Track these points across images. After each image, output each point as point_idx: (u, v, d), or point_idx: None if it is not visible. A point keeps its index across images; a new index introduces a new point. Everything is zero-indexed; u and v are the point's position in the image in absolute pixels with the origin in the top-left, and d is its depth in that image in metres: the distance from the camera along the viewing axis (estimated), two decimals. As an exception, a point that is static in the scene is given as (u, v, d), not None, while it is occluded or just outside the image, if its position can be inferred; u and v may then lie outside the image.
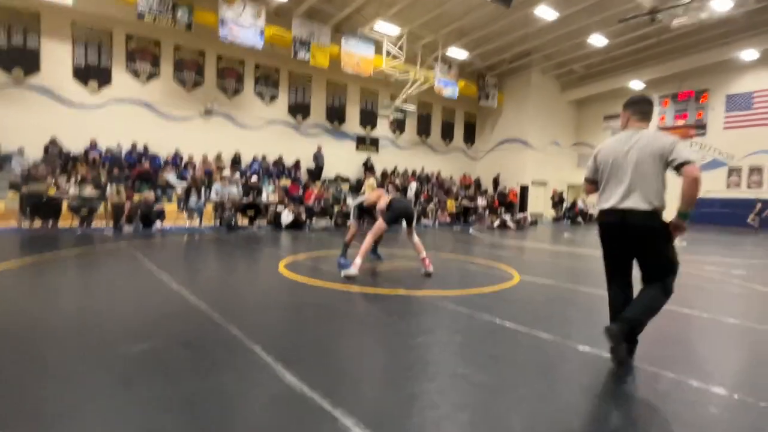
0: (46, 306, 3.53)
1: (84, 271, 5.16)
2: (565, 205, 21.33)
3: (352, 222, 6.16)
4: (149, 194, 10.39)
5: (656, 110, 19.84)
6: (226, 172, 13.29)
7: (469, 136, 23.91)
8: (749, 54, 16.73)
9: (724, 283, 5.51)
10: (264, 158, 16.06)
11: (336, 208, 13.40)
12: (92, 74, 13.36)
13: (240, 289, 4.61)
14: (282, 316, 3.58)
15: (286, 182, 15.35)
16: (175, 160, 14.36)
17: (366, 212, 5.97)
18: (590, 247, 9.84)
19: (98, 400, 1.93)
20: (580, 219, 19.76)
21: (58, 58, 12.82)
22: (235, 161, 15.44)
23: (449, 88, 19.09)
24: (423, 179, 19.80)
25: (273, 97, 16.88)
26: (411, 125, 20.93)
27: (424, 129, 21.76)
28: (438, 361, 2.59)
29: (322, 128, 18.26)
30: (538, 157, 22.13)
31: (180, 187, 12.69)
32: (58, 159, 11.96)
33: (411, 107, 18.27)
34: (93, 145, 12.99)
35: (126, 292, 4.12)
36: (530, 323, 3.36)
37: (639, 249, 2.55)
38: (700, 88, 19.40)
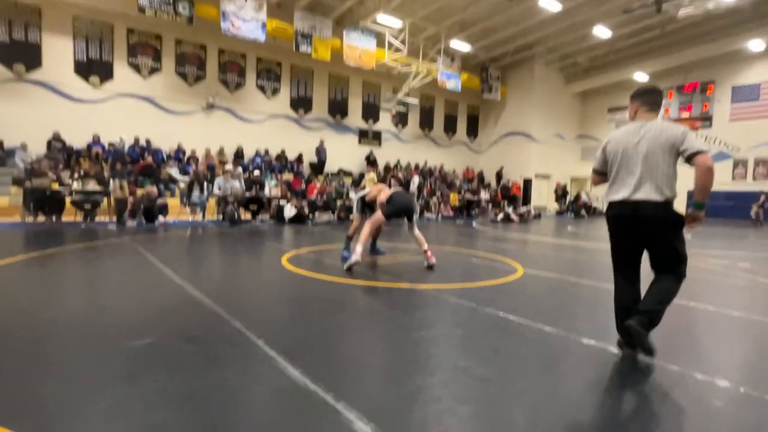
0: (50, 301, 3.55)
1: (87, 265, 5.18)
2: (568, 198, 21.24)
3: (355, 215, 6.17)
4: (152, 189, 10.41)
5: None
6: (229, 166, 13.27)
7: (472, 129, 23.79)
8: (756, 44, 16.53)
9: (729, 276, 5.48)
10: (266, 152, 16.04)
11: (339, 202, 13.39)
12: (94, 69, 13.35)
13: (243, 283, 4.61)
14: (285, 310, 3.58)
15: (288, 176, 15.34)
16: (178, 155, 14.36)
17: (369, 206, 5.95)
18: (594, 240, 9.81)
19: (102, 394, 1.94)
20: (583, 212, 19.67)
21: (59, 52, 12.81)
22: (238, 155, 15.43)
23: (452, 80, 18.97)
24: (426, 173, 19.74)
25: (275, 91, 16.83)
26: (413, 118, 20.85)
27: (426, 122, 21.67)
28: (440, 354, 2.58)
29: (325, 122, 18.21)
30: (542, 150, 22.02)
31: (182, 181, 12.71)
32: (61, 154, 11.99)
33: (413, 100, 18.18)
34: (96, 140, 13.01)
35: (129, 286, 4.13)
36: (533, 316, 3.35)
37: (651, 240, 2.53)
38: (706, 80, 19.21)
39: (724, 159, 18.60)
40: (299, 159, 16.96)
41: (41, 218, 9.37)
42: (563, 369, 2.43)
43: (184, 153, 14.54)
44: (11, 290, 3.84)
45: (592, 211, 20.43)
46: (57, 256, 5.47)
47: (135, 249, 6.24)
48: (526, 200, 20.93)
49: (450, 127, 22.71)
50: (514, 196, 19.88)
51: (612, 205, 2.63)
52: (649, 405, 2.04)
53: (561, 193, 21.07)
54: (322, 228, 10.62)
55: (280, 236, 8.69)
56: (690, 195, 14.14)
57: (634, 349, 2.60)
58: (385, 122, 19.70)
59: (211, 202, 11.63)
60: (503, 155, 22.66)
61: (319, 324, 3.09)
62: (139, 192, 10.57)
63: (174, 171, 13.33)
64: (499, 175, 22.12)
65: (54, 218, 9.33)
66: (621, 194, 2.55)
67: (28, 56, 12.37)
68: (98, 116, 13.34)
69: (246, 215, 11.75)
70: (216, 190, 11.21)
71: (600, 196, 21.72)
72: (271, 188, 12.85)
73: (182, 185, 12.64)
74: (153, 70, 14.36)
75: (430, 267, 5.27)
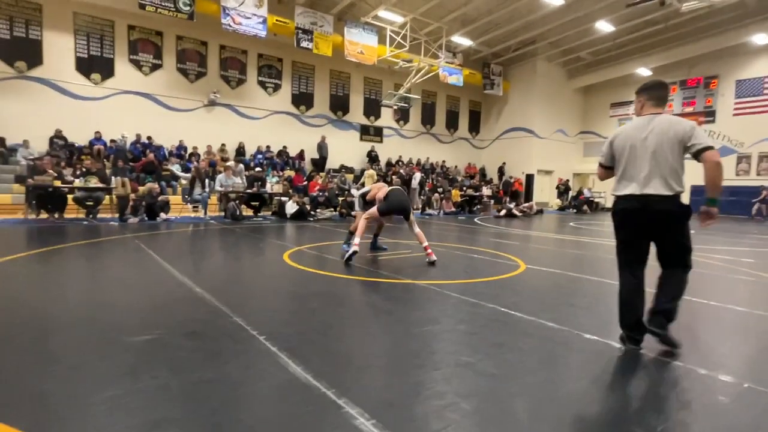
0: (52, 297, 3.55)
1: (90, 262, 5.18)
2: (570, 193, 21.18)
3: (357, 212, 6.17)
4: (154, 186, 10.41)
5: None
6: (230, 163, 13.27)
7: (474, 125, 23.72)
8: (761, 38, 16.40)
9: (733, 272, 5.45)
10: (268, 149, 16.03)
11: (340, 199, 13.39)
12: (95, 66, 13.35)
13: (245, 279, 4.62)
14: (287, 305, 3.58)
15: (290, 173, 15.33)
16: (180, 152, 14.37)
17: (370, 204, 5.97)
18: (596, 236, 9.78)
19: (103, 389, 1.93)
20: (586, 208, 19.61)
21: (60, 50, 12.81)
22: (239, 152, 15.42)
23: (454, 75, 18.90)
24: (428, 169, 19.71)
25: (276, 87, 16.81)
26: (415, 115, 20.80)
27: (428, 118, 21.61)
28: (443, 349, 2.58)
29: (326, 118, 18.18)
30: (544, 145, 21.95)
31: (184, 178, 12.72)
32: (63, 151, 12.01)
33: (415, 96, 18.12)
34: (97, 137, 13.02)
35: (131, 283, 4.14)
36: (536, 312, 3.34)
37: (660, 233, 2.55)
38: (710, 74, 19.08)
39: (728, 154, 18.50)
40: (301, 155, 16.96)
41: (44, 215, 9.40)
42: (566, 364, 2.42)
43: (185, 150, 14.55)
44: (14, 286, 3.85)
45: (594, 206, 20.37)
46: (59, 253, 5.49)
47: (137, 245, 6.25)
48: (529, 196, 20.88)
49: (452, 123, 22.65)
50: (515, 192, 19.84)
51: (620, 200, 2.63)
52: (653, 400, 2.03)
53: (563, 189, 21.01)
54: (324, 224, 10.62)
55: (281, 233, 8.69)
56: (694, 190, 14.14)
57: (637, 345, 2.60)
58: (386, 118, 19.66)
59: (213, 199, 11.64)
60: (505, 151, 22.60)
61: (321, 319, 3.09)
62: (141, 189, 10.57)
63: (176, 168, 13.35)
64: (501, 171, 22.07)
65: (56, 215, 9.36)
66: (630, 189, 2.56)
67: (29, 53, 12.37)
68: (100, 113, 13.35)
69: (248, 212, 11.75)
70: (218, 187, 11.22)
71: (603, 192, 21.68)
72: (273, 185, 12.86)
73: (184, 182, 12.66)
74: (154, 67, 14.35)
75: (432, 263, 5.27)
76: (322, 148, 17.16)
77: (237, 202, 11.06)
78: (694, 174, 3.70)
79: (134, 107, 13.98)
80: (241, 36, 14.41)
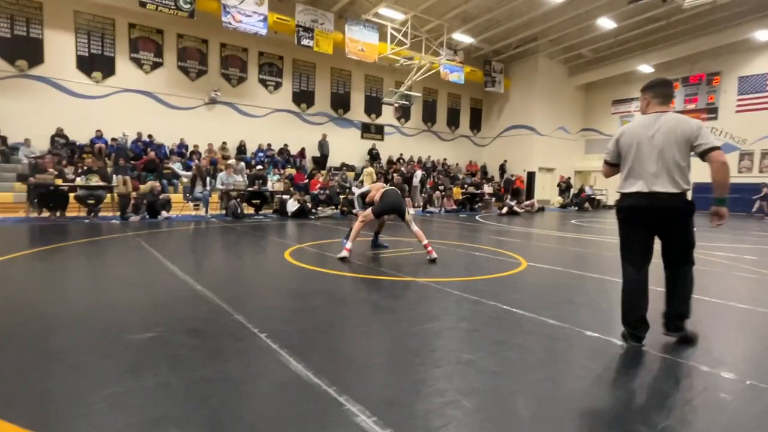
0: (54, 295, 3.56)
1: (91, 260, 5.19)
2: (572, 191, 21.15)
3: (358, 211, 6.18)
4: (155, 184, 10.42)
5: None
6: (231, 161, 13.28)
7: (476, 123, 23.68)
8: (763, 35, 16.33)
9: (735, 269, 5.44)
10: (269, 147, 16.02)
11: (341, 197, 13.38)
12: (96, 64, 13.35)
13: (246, 277, 4.62)
14: (288, 303, 3.58)
15: (291, 171, 15.33)
16: (181, 150, 14.37)
17: (370, 203, 5.98)
18: (598, 233, 9.77)
19: (104, 387, 1.94)
20: (587, 205, 19.58)
21: (61, 48, 12.80)
22: (240, 150, 15.42)
23: (455, 73, 18.86)
24: (429, 167, 19.69)
25: (277, 85, 16.79)
26: (416, 112, 20.77)
27: (429, 116, 21.58)
28: (444, 347, 2.57)
29: (327, 116, 18.16)
30: (545, 143, 21.91)
31: (185, 176, 12.73)
32: (64, 150, 12.02)
33: (416, 94, 18.09)
34: (98, 136, 13.03)
35: (132, 280, 4.14)
36: (537, 309, 3.33)
37: (667, 229, 2.60)
38: (712, 71, 19.00)
39: (730, 151, 18.44)
40: (302, 153, 16.95)
41: (45, 214, 9.41)
42: (567, 361, 2.41)
43: (186, 148, 14.55)
44: (16, 285, 3.85)
45: (596, 204, 20.33)
46: (61, 251, 5.49)
47: (138, 244, 6.25)
48: (530, 194, 20.85)
49: (453, 120, 22.61)
50: (517, 190, 19.82)
51: (627, 197, 2.65)
52: (655, 397, 2.02)
53: (565, 187, 20.97)
54: (325, 222, 10.62)
55: (282, 231, 8.69)
56: (696, 187, 14.17)
57: (639, 342, 2.59)
58: (387, 116, 19.63)
59: (214, 197, 11.64)
60: (506, 148, 22.56)
61: (322, 317, 3.08)
62: (142, 187, 10.58)
63: (177, 166, 13.35)
64: (502, 169, 22.03)
65: (58, 213, 9.37)
66: (637, 186, 2.57)
67: (30, 52, 12.37)
68: (101, 112, 13.35)
69: (249, 210, 11.76)
70: (219, 185, 11.22)
71: (604, 189, 21.65)
72: (274, 183, 12.85)
73: (185, 180, 12.67)
74: (155, 65, 14.34)
75: (433, 261, 5.26)
76: (323, 146, 17.15)
77: (238, 200, 11.06)
78: (696, 171, 3.69)
79: (135, 105, 13.98)
80: (241, 34, 14.39)
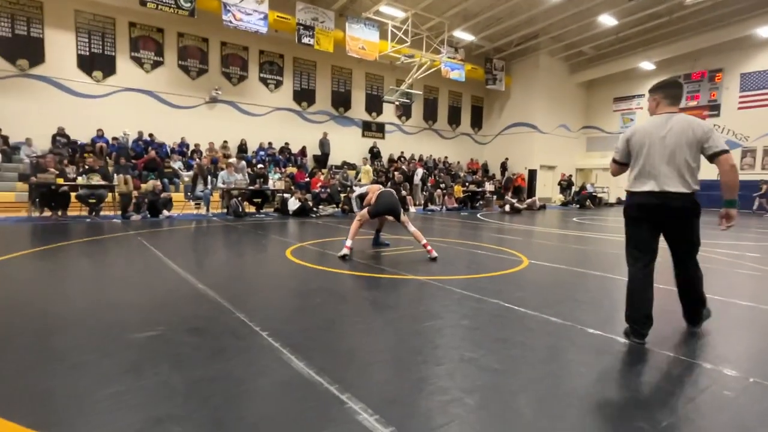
0: (55, 294, 3.56)
1: (93, 259, 5.20)
2: (573, 189, 21.10)
3: (357, 212, 6.20)
4: (156, 183, 10.43)
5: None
6: (233, 159, 13.28)
7: (477, 121, 23.64)
8: (766, 31, 16.25)
9: (737, 266, 5.42)
10: (270, 145, 16.02)
11: (342, 195, 13.38)
12: (96, 63, 13.34)
13: (247, 275, 4.62)
14: (289, 301, 3.58)
15: (292, 169, 15.32)
16: (182, 149, 14.38)
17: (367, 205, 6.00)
18: (599, 231, 9.75)
19: (106, 386, 1.94)
20: (589, 203, 19.54)
21: (62, 47, 12.80)
22: (241, 149, 15.41)
23: (456, 71, 18.82)
24: (430, 165, 19.67)
25: (278, 84, 16.77)
26: (417, 110, 20.73)
27: (430, 114, 21.55)
28: (446, 345, 2.57)
29: (328, 114, 18.15)
30: (547, 140, 21.87)
31: (186, 175, 12.73)
32: (65, 149, 12.03)
33: (417, 92, 18.06)
34: (99, 135, 13.04)
35: (134, 279, 4.14)
36: (539, 307, 3.33)
37: (675, 229, 2.66)
38: (714, 68, 18.92)
39: (733, 148, 18.36)
40: (303, 152, 16.94)
41: (47, 213, 9.43)
42: (569, 359, 2.41)
43: (187, 147, 14.55)
44: (17, 284, 3.86)
45: (597, 202, 20.28)
46: (62, 251, 5.50)
47: (139, 243, 6.26)
48: (531, 192, 20.82)
49: (454, 118, 22.57)
50: (518, 188, 19.79)
51: (637, 195, 2.68)
52: (658, 394, 2.02)
53: (566, 185, 20.93)
54: (326, 221, 10.62)
55: (283, 229, 8.69)
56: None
57: (642, 339, 2.60)
58: (388, 114, 19.60)
59: (215, 196, 11.65)
60: (508, 146, 22.52)
61: (323, 315, 3.08)
62: (144, 186, 10.59)
63: (178, 165, 13.35)
64: (504, 167, 22.00)
65: (60, 213, 9.38)
66: (648, 186, 2.62)
67: (31, 51, 12.37)
68: (102, 111, 13.36)
69: (250, 208, 11.76)
70: (220, 184, 11.22)
71: (606, 187, 21.61)
72: (275, 181, 12.85)
73: (186, 179, 12.67)
74: (156, 64, 14.33)
75: (433, 259, 5.26)
76: (324, 144, 17.13)
77: (239, 198, 11.06)
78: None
79: (136, 105, 13.98)
80: (242, 32, 14.38)
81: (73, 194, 9.53)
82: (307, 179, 14.21)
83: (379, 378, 2.13)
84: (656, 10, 16.03)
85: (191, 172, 12.30)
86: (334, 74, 18.11)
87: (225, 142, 15.30)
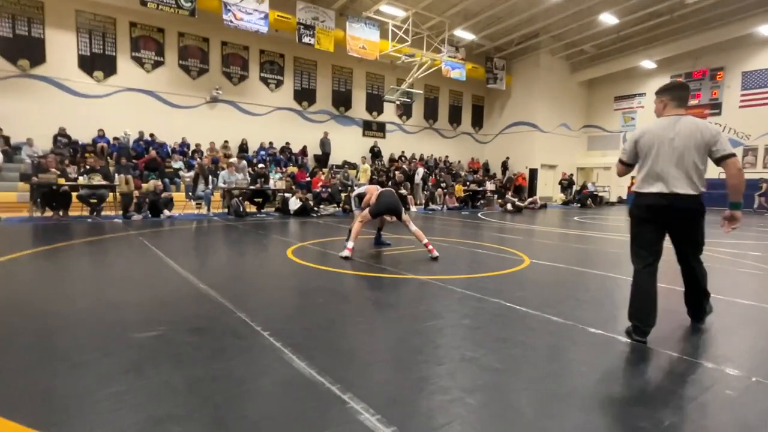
0: (57, 294, 3.57)
1: (94, 259, 5.20)
2: (574, 188, 21.08)
3: (356, 211, 6.20)
4: (157, 183, 10.44)
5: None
6: (233, 159, 13.28)
7: (477, 120, 23.62)
8: (767, 29, 16.18)
9: (739, 265, 5.41)
10: (271, 145, 16.02)
11: (343, 195, 13.37)
12: (97, 63, 13.36)
13: (249, 275, 4.62)
14: (290, 301, 3.58)
15: (293, 169, 15.32)
16: (182, 149, 14.38)
17: (366, 206, 6.00)
18: (601, 230, 9.74)
19: (108, 386, 1.94)
20: (590, 202, 19.51)
21: (63, 47, 12.82)
22: (242, 148, 15.42)
23: (457, 70, 18.80)
24: (431, 164, 19.65)
25: (278, 83, 16.77)
26: (418, 110, 20.72)
27: (431, 113, 21.53)
28: (447, 344, 2.57)
29: (329, 114, 18.14)
30: (547, 140, 21.84)
31: (188, 176, 12.73)
32: (66, 149, 12.04)
33: (417, 91, 18.05)
34: (100, 135, 13.05)
35: (135, 279, 4.15)
36: (540, 306, 3.32)
37: (682, 229, 2.71)
38: (715, 66, 18.88)
39: (734, 147, 18.21)
40: (303, 151, 16.94)
41: (48, 213, 9.44)
42: (571, 358, 2.40)
43: (188, 147, 14.56)
44: (19, 284, 3.86)
45: (598, 201, 20.26)
46: (64, 251, 5.51)
47: (141, 242, 6.26)
48: (532, 191, 20.81)
49: (455, 117, 22.55)
50: (519, 187, 19.77)
51: (645, 196, 2.71)
52: (660, 394, 2.01)
53: (567, 184, 20.90)
54: (327, 220, 10.62)
55: (284, 229, 8.69)
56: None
57: (644, 337, 2.61)
58: (389, 114, 19.58)
59: (216, 196, 11.65)
60: (509, 146, 22.50)
61: (324, 315, 3.08)
62: (144, 186, 10.60)
63: (179, 165, 13.36)
64: (504, 166, 21.98)
65: (61, 213, 9.39)
66: (657, 187, 2.65)
67: (32, 51, 12.38)
68: (103, 111, 13.37)
69: (251, 208, 11.76)
70: (221, 184, 11.23)
71: (607, 186, 21.59)
72: (276, 181, 12.86)
73: (187, 179, 12.68)
74: (156, 64, 14.34)
75: (435, 259, 5.26)
76: (324, 144, 17.13)
77: (240, 198, 11.07)
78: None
79: (137, 104, 13.99)
80: (242, 32, 14.38)
81: (74, 194, 9.54)
82: (308, 179, 14.21)
83: (381, 378, 2.13)
84: (657, 8, 15.99)
85: (192, 172, 12.31)
86: (334, 74, 18.10)
87: (226, 141, 15.30)
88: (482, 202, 17.41)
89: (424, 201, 16.03)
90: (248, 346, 2.43)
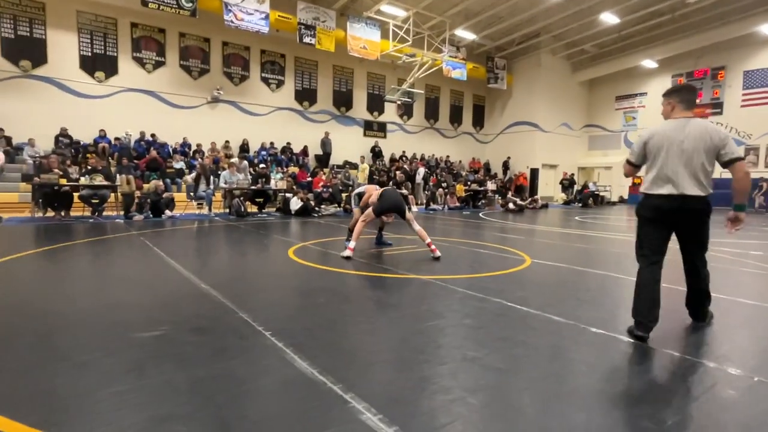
0: (59, 294, 3.57)
1: (96, 259, 5.21)
2: (575, 187, 21.07)
3: (354, 210, 6.21)
4: (158, 183, 10.45)
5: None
6: (234, 159, 13.29)
7: (478, 120, 23.61)
8: (769, 28, 16.16)
9: (741, 264, 5.40)
10: (272, 145, 16.03)
11: (344, 195, 13.38)
12: (99, 64, 13.38)
13: (250, 275, 4.62)
14: (292, 301, 3.58)
15: (294, 169, 15.33)
16: (183, 149, 14.40)
17: (366, 205, 6.00)
18: (602, 230, 9.73)
19: (110, 385, 1.94)
20: (591, 201, 19.50)
21: (64, 48, 12.84)
22: (243, 149, 15.43)
23: (457, 70, 18.79)
24: (432, 164, 19.65)
25: (279, 83, 16.78)
26: (419, 109, 20.71)
27: (431, 113, 21.52)
28: (449, 344, 2.57)
29: (329, 114, 18.15)
30: (548, 139, 21.83)
31: (190, 178, 12.74)
32: (68, 149, 12.06)
33: (418, 91, 18.05)
34: (102, 135, 13.07)
35: (137, 279, 4.15)
36: (542, 306, 3.32)
37: (690, 230, 2.76)
38: (717, 66, 18.85)
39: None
40: (304, 151, 16.94)
41: (50, 213, 9.45)
42: (572, 358, 2.40)
43: (189, 147, 14.57)
44: (21, 284, 3.87)
45: (599, 200, 20.24)
46: (66, 251, 5.52)
47: (142, 243, 6.27)
48: (533, 190, 20.79)
49: (456, 117, 22.55)
50: (520, 186, 19.76)
51: (654, 198, 2.74)
52: (662, 394, 2.01)
53: (568, 183, 20.89)
54: (328, 220, 10.63)
55: (286, 229, 8.70)
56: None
57: (646, 332, 2.62)
58: (390, 113, 19.58)
59: (218, 196, 11.67)
60: (509, 145, 22.48)
61: (326, 315, 3.08)
62: (146, 186, 10.61)
63: (180, 165, 13.37)
64: (506, 166, 21.96)
65: (63, 213, 9.41)
66: (666, 189, 2.68)
67: (33, 52, 12.41)
68: (104, 111, 13.39)
69: (252, 208, 11.77)
70: (222, 184, 11.24)
71: (608, 185, 21.57)
72: (277, 181, 12.86)
73: (188, 179, 12.68)
74: (157, 64, 14.35)
75: (436, 259, 5.26)
76: (325, 144, 17.14)
77: (241, 198, 11.08)
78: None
79: (138, 105, 14.01)
80: (243, 32, 14.39)
81: (75, 194, 9.56)
82: (309, 179, 14.22)
83: (383, 377, 2.13)
84: (658, 8, 15.97)
85: (193, 173, 12.32)
86: (335, 74, 18.11)
87: (227, 142, 15.32)
88: (483, 202, 17.40)
89: (425, 201, 16.03)
90: (250, 346, 2.44)
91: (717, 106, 18.94)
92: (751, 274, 4.96)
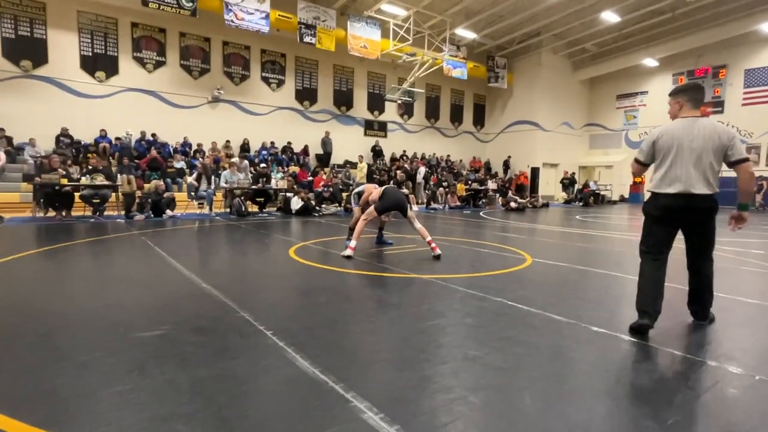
0: (60, 294, 3.58)
1: (97, 259, 5.22)
2: (576, 186, 21.05)
3: (355, 208, 6.21)
4: (159, 183, 10.46)
5: (671, 89, 19.28)
6: (235, 159, 13.30)
7: (479, 119, 23.59)
8: (770, 27, 16.12)
9: (742, 263, 5.40)
10: (272, 145, 16.03)
11: (345, 194, 13.38)
12: (99, 64, 13.39)
13: (251, 274, 4.62)
14: (293, 300, 3.58)
15: (294, 169, 15.33)
16: (184, 148, 14.40)
17: (365, 203, 6.00)
18: (603, 229, 9.72)
19: (112, 385, 1.94)
20: (591, 200, 19.48)
21: (65, 48, 12.85)
22: (244, 148, 15.43)
23: (458, 69, 18.77)
24: (432, 163, 19.64)
25: (280, 83, 16.78)
26: (419, 109, 20.70)
27: (432, 112, 21.51)
28: (450, 343, 2.57)
29: (330, 113, 18.15)
30: (549, 138, 21.81)
31: (192, 179, 12.74)
32: (69, 149, 12.07)
33: (419, 90, 18.04)
34: (103, 135, 13.08)
35: (138, 279, 4.16)
36: (543, 305, 3.32)
37: (697, 228, 2.79)
38: (718, 64, 18.81)
39: (736, 145, 18.23)
40: (305, 151, 16.94)
41: (51, 213, 9.47)
42: (574, 357, 2.40)
43: (190, 146, 14.58)
44: (23, 284, 3.88)
45: (600, 199, 20.23)
46: (67, 251, 5.52)
47: (143, 242, 6.28)
48: (534, 189, 20.78)
49: (456, 116, 22.53)
50: (521, 186, 19.75)
51: (663, 197, 2.76)
52: (663, 393, 2.01)
53: (569, 182, 20.88)
54: (329, 220, 10.63)
55: (286, 228, 8.70)
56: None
57: (649, 321, 2.66)
58: (390, 113, 19.58)
59: (218, 195, 11.67)
60: (510, 144, 22.47)
61: (327, 314, 3.08)
62: (147, 186, 10.62)
63: (180, 165, 13.38)
64: (506, 165, 21.95)
65: (64, 213, 9.42)
66: (675, 188, 2.70)
67: (34, 52, 12.42)
68: (105, 111, 13.40)
69: (253, 208, 11.78)
70: (223, 183, 11.24)
71: (609, 184, 21.55)
72: (278, 181, 12.87)
73: (189, 179, 12.69)
74: (158, 64, 14.36)
75: (437, 257, 5.26)
76: (326, 143, 17.14)
77: (242, 198, 11.08)
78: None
79: (138, 105, 14.02)
80: (244, 32, 14.39)
81: (76, 194, 9.57)
82: (310, 178, 14.22)
83: (384, 376, 2.13)
84: (659, 6, 15.94)
85: (194, 172, 12.32)
86: (336, 73, 18.10)
87: (227, 141, 15.32)
88: (484, 201, 17.39)
89: (425, 200, 16.02)
90: (251, 346, 2.44)
91: (718, 105, 18.91)
92: (753, 272, 4.95)
